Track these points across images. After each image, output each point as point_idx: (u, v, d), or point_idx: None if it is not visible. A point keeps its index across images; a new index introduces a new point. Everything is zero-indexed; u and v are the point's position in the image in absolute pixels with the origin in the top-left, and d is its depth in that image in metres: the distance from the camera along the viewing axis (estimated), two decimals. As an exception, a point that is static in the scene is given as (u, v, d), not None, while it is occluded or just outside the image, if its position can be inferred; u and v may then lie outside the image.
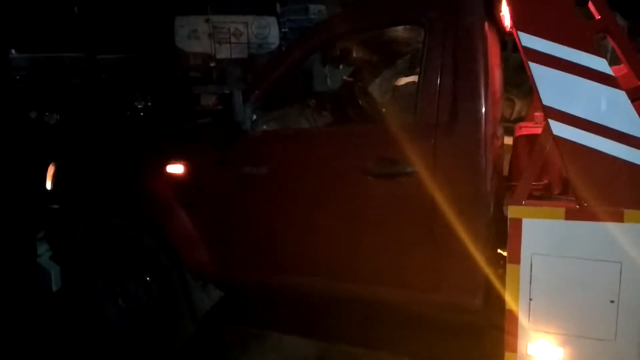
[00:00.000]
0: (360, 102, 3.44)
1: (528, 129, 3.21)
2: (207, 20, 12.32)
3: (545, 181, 2.78)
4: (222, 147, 2.70)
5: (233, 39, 12.59)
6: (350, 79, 3.74)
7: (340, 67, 3.74)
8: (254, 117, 2.63)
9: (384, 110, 3.55)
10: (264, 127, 2.73)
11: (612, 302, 2.01)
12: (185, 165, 2.79)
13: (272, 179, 2.64)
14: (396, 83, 3.54)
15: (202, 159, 2.78)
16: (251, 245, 2.78)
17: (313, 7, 17.48)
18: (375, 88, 3.97)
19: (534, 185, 2.39)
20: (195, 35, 12.34)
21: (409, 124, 2.41)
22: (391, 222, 2.43)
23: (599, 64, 2.04)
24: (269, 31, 12.99)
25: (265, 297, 3.16)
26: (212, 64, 12.21)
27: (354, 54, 3.74)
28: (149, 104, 11.59)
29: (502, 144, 3.23)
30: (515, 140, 3.19)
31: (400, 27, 3.14)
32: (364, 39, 3.47)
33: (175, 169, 2.81)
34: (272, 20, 13.29)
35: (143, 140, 3.36)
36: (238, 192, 2.73)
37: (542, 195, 2.73)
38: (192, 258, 2.84)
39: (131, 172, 3.02)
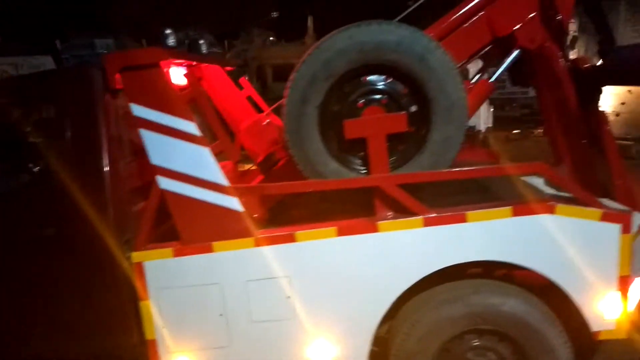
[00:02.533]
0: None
1: None
2: (-37, 65, 11.20)
3: None
4: None
5: (0, 83, 11.60)
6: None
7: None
8: None
9: None
10: None
11: (221, 315, 2.52)
12: None
13: None
14: None
15: None
16: None
17: (100, 42, 16.85)
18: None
19: None
20: (-51, 82, 11.09)
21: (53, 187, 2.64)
22: (50, 285, 2.65)
23: (190, 127, 2.54)
24: (43, 71, 12.23)
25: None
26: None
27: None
28: None
29: None
30: None
31: None
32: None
33: None
34: (46, 60, 12.57)
35: None
36: None
37: None
38: None
39: None
